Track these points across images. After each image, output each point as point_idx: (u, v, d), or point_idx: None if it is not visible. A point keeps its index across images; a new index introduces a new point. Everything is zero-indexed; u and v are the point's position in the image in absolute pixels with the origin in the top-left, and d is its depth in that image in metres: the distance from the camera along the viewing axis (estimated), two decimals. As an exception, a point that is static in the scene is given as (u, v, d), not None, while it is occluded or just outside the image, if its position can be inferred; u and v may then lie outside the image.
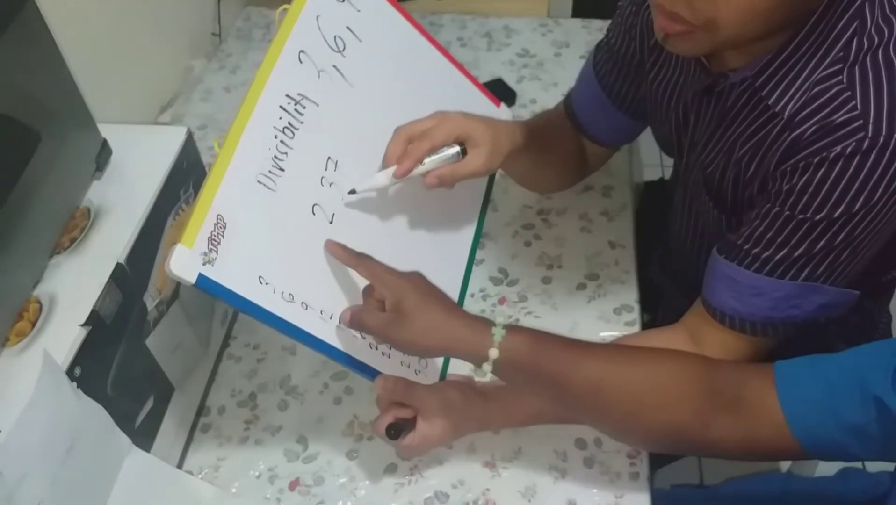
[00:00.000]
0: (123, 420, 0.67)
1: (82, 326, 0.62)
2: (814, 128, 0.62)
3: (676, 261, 0.94)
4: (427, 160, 0.70)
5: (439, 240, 0.81)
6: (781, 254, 0.65)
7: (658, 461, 0.80)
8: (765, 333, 0.70)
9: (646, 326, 0.90)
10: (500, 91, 1.13)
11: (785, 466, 1.25)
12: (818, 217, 0.62)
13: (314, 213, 0.68)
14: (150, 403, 0.73)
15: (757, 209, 0.67)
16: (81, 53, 0.74)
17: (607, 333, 0.85)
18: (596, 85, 0.88)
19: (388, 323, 0.64)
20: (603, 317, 0.88)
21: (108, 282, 0.64)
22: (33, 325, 0.62)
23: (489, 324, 0.64)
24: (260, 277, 0.62)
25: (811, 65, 0.63)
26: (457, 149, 0.71)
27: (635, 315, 0.88)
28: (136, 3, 1.05)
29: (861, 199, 0.60)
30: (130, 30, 1.04)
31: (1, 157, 0.60)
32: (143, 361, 0.71)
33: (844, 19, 0.62)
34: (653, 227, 1.00)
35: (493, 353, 0.63)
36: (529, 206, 0.99)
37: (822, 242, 0.64)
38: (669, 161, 0.88)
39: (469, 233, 0.84)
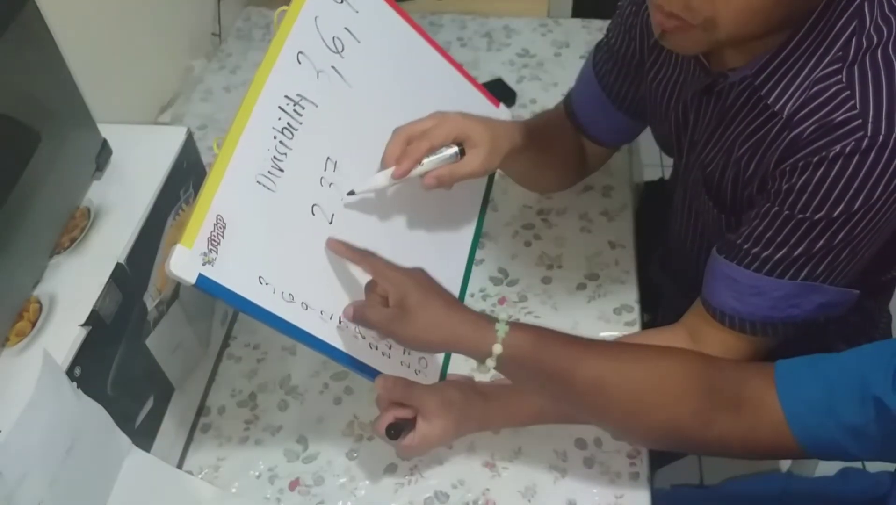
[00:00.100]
0: (123, 420, 0.67)
1: (82, 326, 0.62)
2: (813, 127, 0.62)
3: (676, 261, 0.94)
4: (425, 161, 0.70)
5: (439, 240, 0.81)
6: (781, 253, 0.65)
7: (658, 461, 0.80)
8: (764, 332, 0.70)
9: (646, 326, 0.90)
10: (500, 91, 1.13)
11: (785, 466, 1.25)
12: (817, 216, 0.62)
13: (314, 214, 0.68)
14: (150, 403, 0.73)
15: (756, 209, 0.67)
16: (81, 53, 0.74)
17: (607, 333, 0.85)
18: (596, 85, 0.88)
19: (391, 318, 0.64)
20: (603, 317, 0.88)
21: (108, 282, 0.64)
22: (33, 325, 0.62)
23: (492, 320, 0.64)
24: (260, 277, 0.62)
25: (810, 64, 0.63)
26: (455, 149, 0.71)
27: (635, 315, 0.88)
28: (136, 3, 1.05)
29: (860, 198, 0.61)
30: (130, 30, 1.04)
31: (1, 157, 0.60)
32: (143, 361, 0.71)
33: (843, 19, 0.62)
34: (653, 227, 1.00)
35: (497, 348, 0.63)
36: (529, 206, 0.99)
37: (821, 242, 0.64)
38: (669, 161, 0.88)
39: (469, 233, 0.85)
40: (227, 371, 0.86)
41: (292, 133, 0.67)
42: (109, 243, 0.67)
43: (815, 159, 0.61)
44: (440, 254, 0.81)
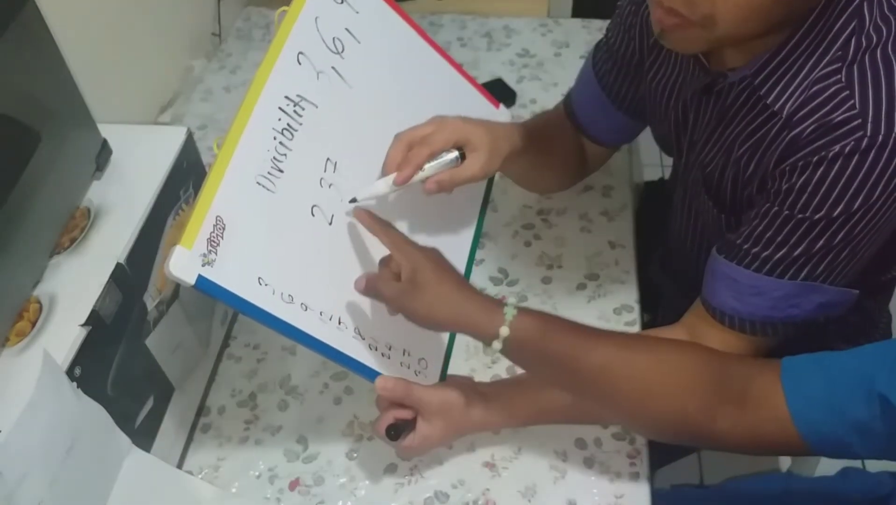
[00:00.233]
0: (123, 420, 0.67)
1: (82, 325, 0.62)
2: (812, 127, 0.62)
3: (676, 261, 0.94)
4: (426, 166, 0.70)
5: (439, 240, 0.80)
6: (781, 253, 0.65)
7: (658, 461, 0.80)
8: (764, 332, 0.70)
9: (646, 326, 0.90)
10: (500, 91, 1.13)
11: (785, 465, 1.25)
12: (817, 216, 0.62)
13: (313, 215, 0.68)
14: (150, 403, 0.73)
15: (756, 209, 0.67)
16: (81, 53, 0.74)
17: (607, 333, 0.85)
18: (595, 85, 0.88)
19: (402, 292, 0.65)
20: (603, 317, 0.88)
21: (108, 282, 0.64)
22: (33, 325, 0.62)
23: (501, 303, 0.65)
24: (259, 278, 0.62)
25: (810, 64, 0.63)
26: (455, 154, 0.71)
27: (635, 315, 0.88)
28: (136, 3, 1.05)
29: (860, 198, 0.60)
30: (130, 30, 1.04)
31: (1, 157, 0.60)
32: (143, 361, 0.71)
33: (843, 18, 0.62)
34: (653, 227, 1.00)
35: (504, 331, 0.63)
36: (529, 207, 0.99)
37: (821, 242, 0.64)
38: (669, 161, 0.88)
39: (469, 234, 0.84)
40: (228, 371, 0.86)
41: (292, 134, 0.67)
42: (109, 243, 0.68)
43: (815, 159, 0.61)
44: (440, 254, 0.81)
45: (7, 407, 0.55)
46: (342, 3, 0.72)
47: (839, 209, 0.61)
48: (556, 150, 0.90)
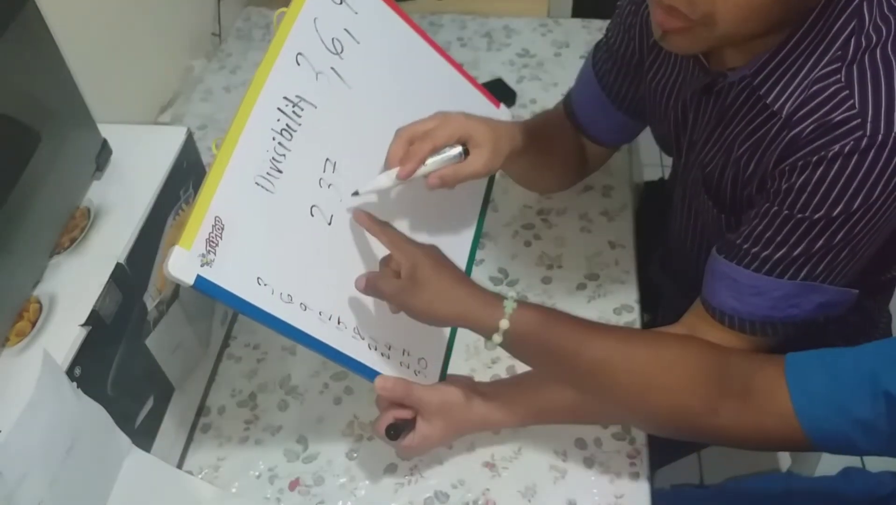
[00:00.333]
0: (123, 420, 0.67)
1: (82, 325, 0.62)
2: (812, 126, 0.62)
3: (676, 261, 0.94)
4: (429, 161, 0.70)
5: (439, 240, 0.80)
6: (780, 253, 0.65)
7: (658, 461, 0.80)
8: (764, 332, 0.70)
9: (646, 326, 0.90)
10: (500, 91, 1.13)
11: (785, 465, 1.25)
12: (817, 216, 0.62)
13: (312, 215, 0.68)
14: (150, 403, 0.73)
15: (756, 208, 0.67)
16: (81, 53, 0.74)
17: (607, 333, 0.85)
18: (595, 85, 0.88)
19: (402, 289, 0.65)
20: (603, 317, 0.88)
21: (108, 282, 0.65)
22: (33, 325, 0.62)
23: (500, 297, 0.66)
24: (258, 278, 0.63)
25: (809, 63, 0.63)
26: (459, 149, 0.71)
27: (635, 315, 0.88)
28: (136, 3, 1.05)
29: (859, 197, 0.60)
30: (130, 30, 1.04)
31: (1, 157, 0.60)
32: (143, 361, 0.72)
33: (843, 18, 0.62)
34: (653, 227, 1.00)
35: (504, 323, 0.64)
36: (529, 206, 1.00)
37: (820, 241, 0.64)
38: (669, 161, 0.88)
39: (469, 233, 0.84)
40: (227, 371, 0.86)
41: (291, 134, 0.67)
42: (109, 243, 0.68)
43: (815, 159, 0.61)
44: (440, 254, 0.81)
45: (7, 407, 0.55)
46: (341, 3, 0.72)
47: (839, 209, 0.61)
48: (557, 149, 0.90)
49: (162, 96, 1.16)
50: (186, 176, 0.77)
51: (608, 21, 0.87)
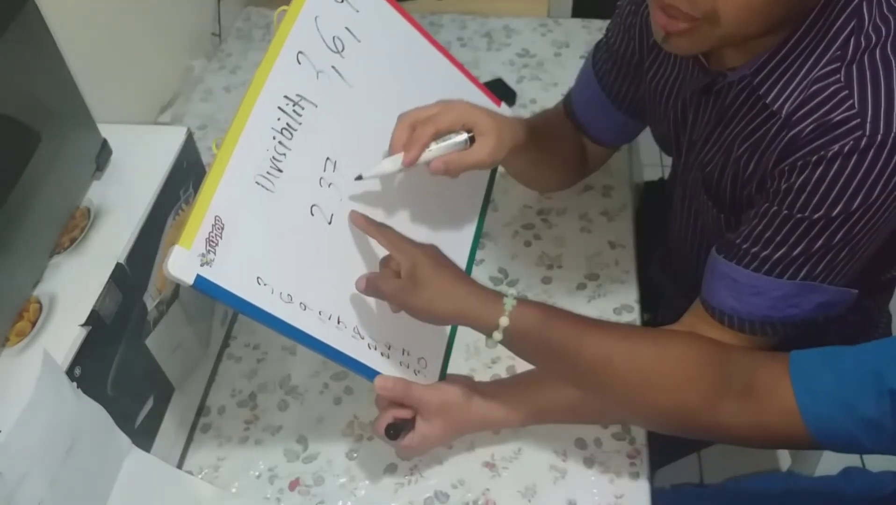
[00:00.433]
0: (123, 420, 0.67)
1: (82, 325, 0.62)
2: (811, 126, 0.62)
3: (676, 261, 0.94)
4: (434, 147, 0.69)
5: (439, 240, 0.80)
6: (780, 253, 0.65)
7: (658, 461, 0.80)
8: (764, 332, 0.70)
9: (646, 325, 0.90)
10: (500, 91, 1.13)
11: (786, 465, 1.25)
12: (816, 216, 0.62)
13: (313, 214, 0.68)
14: (150, 403, 0.73)
15: (755, 208, 0.67)
16: (81, 53, 0.74)
17: (607, 333, 0.85)
18: (595, 85, 0.88)
19: (402, 289, 0.66)
20: (603, 317, 0.87)
21: (107, 282, 0.64)
22: (33, 325, 0.62)
23: (500, 294, 0.66)
24: (258, 277, 0.62)
25: (809, 63, 0.63)
26: (465, 136, 0.70)
27: (635, 315, 0.88)
28: (136, 3, 1.05)
29: (859, 197, 0.60)
30: (130, 30, 1.04)
31: (1, 157, 0.60)
32: (143, 361, 0.72)
33: (842, 18, 0.62)
34: (653, 226, 1.00)
35: (504, 321, 0.64)
36: (529, 206, 1.00)
37: (820, 241, 0.64)
38: (669, 161, 0.88)
39: (469, 232, 0.84)
40: (227, 371, 0.86)
41: (291, 133, 0.67)
42: (109, 243, 0.68)
43: (814, 159, 0.61)
44: (440, 254, 0.81)
45: (7, 407, 0.55)
46: (342, 2, 0.72)
47: (838, 209, 0.61)
48: (557, 148, 0.90)
49: (162, 96, 1.16)
50: (186, 176, 0.77)
51: (608, 21, 0.87)
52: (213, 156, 0.62)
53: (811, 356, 0.61)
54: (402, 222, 0.77)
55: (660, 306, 1.05)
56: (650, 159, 1.40)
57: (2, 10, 0.59)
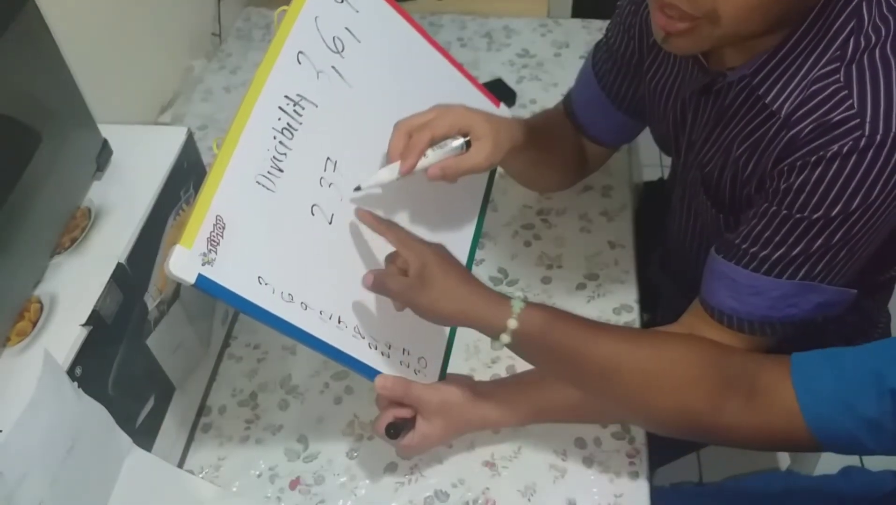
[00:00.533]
0: (124, 420, 0.67)
1: (83, 325, 0.62)
2: (811, 126, 0.62)
3: (676, 261, 0.94)
4: (431, 153, 0.70)
5: (439, 240, 0.80)
6: (779, 253, 0.66)
7: (657, 460, 0.80)
8: (763, 332, 0.70)
9: (645, 326, 0.90)
10: (499, 91, 1.13)
11: (785, 464, 1.25)
12: (815, 216, 0.62)
13: (313, 214, 0.68)
14: (150, 403, 0.73)
15: (755, 208, 0.67)
16: (81, 53, 0.74)
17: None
18: (595, 85, 0.88)
19: (410, 287, 0.66)
20: (603, 317, 0.88)
21: (108, 282, 0.65)
22: (34, 324, 0.62)
23: (507, 297, 0.66)
24: (259, 277, 0.63)
25: (808, 63, 0.63)
26: (461, 141, 0.71)
27: (635, 315, 0.88)
28: (136, 3, 1.05)
29: (858, 197, 0.61)
30: (130, 30, 1.05)
31: (1, 158, 0.60)
32: (143, 361, 0.72)
33: (842, 18, 0.62)
34: (652, 227, 1.00)
35: (512, 323, 0.64)
36: (529, 207, 1.00)
37: (819, 241, 0.64)
38: (669, 161, 0.88)
39: (469, 232, 0.85)
40: (228, 371, 0.86)
41: (292, 133, 0.67)
42: (110, 243, 0.68)
43: (813, 159, 0.61)
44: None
45: (8, 407, 0.56)
46: (342, 2, 0.72)
47: (837, 209, 0.62)
48: (557, 148, 0.90)
49: (162, 96, 1.16)
50: (187, 176, 0.77)
51: (608, 21, 0.87)
52: (214, 156, 0.62)
53: (812, 357, 0.61)
54: (402, 222, 0.77)
55: (659, 306, 1.06)
56: (650, 160, 1.40)
57: (2, 10, 0.59)
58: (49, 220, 0.67)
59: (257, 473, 0.78)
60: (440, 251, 0.68)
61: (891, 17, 0.62)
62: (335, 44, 0.71)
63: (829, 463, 0.92)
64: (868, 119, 0.59)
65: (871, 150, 0.59)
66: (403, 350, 0.74)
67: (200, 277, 0.58)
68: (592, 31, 1.26)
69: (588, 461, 0.76)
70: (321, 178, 0.69)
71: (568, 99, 0.93)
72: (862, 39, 0.62)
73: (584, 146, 0.93)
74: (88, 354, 0.62)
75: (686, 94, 0.76)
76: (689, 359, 0.64)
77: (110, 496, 0.67)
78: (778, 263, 0.66)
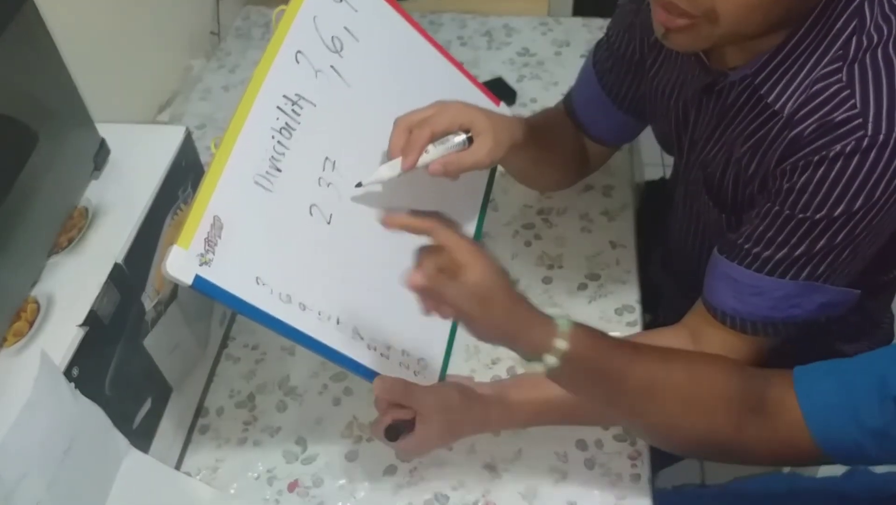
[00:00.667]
0: (121, 421, 0.67)
1: (80, 326, 0.61)
2: (813, 126, 0.61)
3: (677, 261, 0.93)
4: (432, 149, 0.69)
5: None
6: (782, 253, 0.65)
7: (659, 462, 0.80)
8: (765, 332, 0.70)
9: (647, 326, 0.89)
10: (500, 90, 1.12)
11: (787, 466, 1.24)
12: (818, 216, 0.62)
13: (312, 214, 0.68)
14: (148, 404, 0.73)
15: (757, 208, 0.67)
16: (80, 53, 0.74)
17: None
18: (596, 84, 0.88)
19: (469, 297, 0.57)
20: (604, 317, 0.87)
21: (105, 282, 0.64)
22: (31, 325, 0.62)
23: (548, 315, 0.60)
24: (257, 277, 0.62)
25: (810, 63, 0.63)
26: (463, 137, 0.70)
27: (636, 315, 0.87)
28: (134, 2, 1.05)
29: (861, 197, 0.60)
30: (129, 29, 1.04)
31: (-2, 157, 0.60)
32: (141, 362, 0.71)
33: (844, 17, 0.62)
34: (654, 226, 1.00)
35: (561, 343, 0.58)
36: (529, 206, 0.99)
37: (822, 242, 0.63)
38: (670, 160, 0.88)
39: (469, 232, 0.84)
40: (226, 372, 0.86)
41: (290, 133, 0.66)
42: (107, 243, 0.67)
43: (816, 159, 0.61)
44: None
45: (5, 408, 0.55)
46: (341, 1, 0.72)
47: (840, 209, 0.61)
48: (557, 147, 0.89)
49: (160, 96, 1.16)
50: (185, 175, 0.76)
51: (609, 20, 0.87)
52: (212, 155, 0.62)
53: (814, 369, 0.60)
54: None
55: (661, 306, 1.05)
56: (651, 159, 1.40)
57: (0, 10, 0.59)
58: (46, 219, 0.67)
59: (255, 475, 0.77)
60: (497, 260, 0.61)
61: (893, 17, 0.62)
62: (334, 43, 0.71)
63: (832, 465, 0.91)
64: (870, 119, 0.59)
65: (874, 150, 0.59)
66: (403, 351, 0.74)
67: (198, 278, 0.58)
68: (593, 30, 1.25)
69: (589, 463, 0.76)
70: (320, 177, 0.69)
71: (568, 98, 0.92)
72: (864, 39, 0.61)
73: (584, 145, 0.93)
74: (85, 355, 0.61)
75: (688, 93, 0.76)
76: (718, 379, 0.63)
77: (107, 498, 0.67)
78: (781, 263, 0.66)
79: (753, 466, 0.88)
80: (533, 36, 1.25)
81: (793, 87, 0.64)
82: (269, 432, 0.81)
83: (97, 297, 0.63)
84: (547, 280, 0.91)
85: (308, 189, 0.68)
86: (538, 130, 0.81)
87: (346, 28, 0.72)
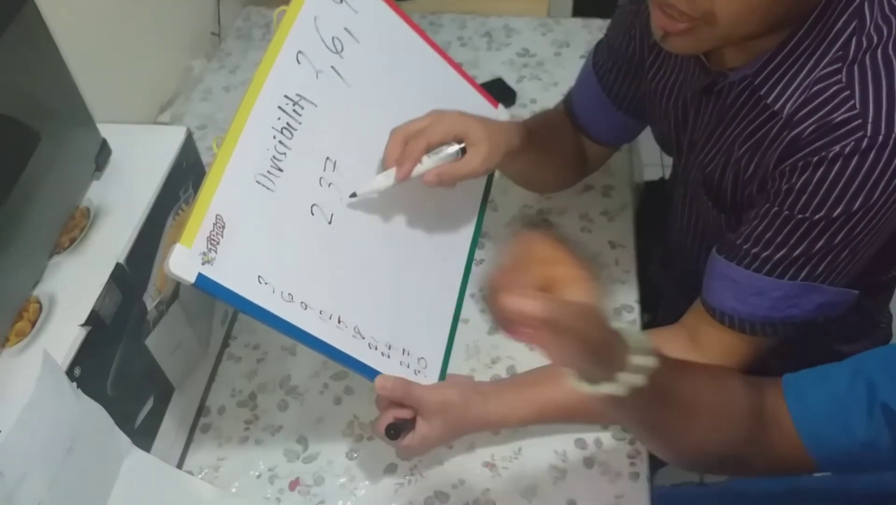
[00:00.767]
0: (123, 420, 0.67)
1: (82, 325, 0.62)
2: (813, 127, 0.62)
3: (676, 261, 0.94)
4: (427, 160, 0.70)
5: (439, 240, 0.80)
6: (780, 253, 0.65)
7: (658, 461, 0.80)
8: (764, 332, 0.70)
9: (646, 326, 0.90)
10: (499, 91, 1.13)
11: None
12: (817, 217, 0.62)
13: (313, 214, 0.68)
14: (149, 403, 0.73)
15: (756, 209, 0.67)
16: (81, 53, 0.74)
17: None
18: (596, 85, 0.88)
19: (586, 322, 0.49)
20: (603, 316, 0.87)
21: (107, 282, 0.64)
22: (33, 325, 0.62)
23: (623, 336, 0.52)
24: (259, 276, 0.62)
25: (810, 64, 0.63)
26: (457, 147, 0.71)
27: (635, 315, 0.88)
28: (135, 2, 1.05)
29: (860, 198, 0.60)
30: (130, 29, 1.04)
31: (0, 157, 0.60)
32: (142, 361, 0.71)
33: (843, 18, 0.62)
34: (653, 227, 1.00)
35: (650, 361, 0.51)
36: (529, 206, 0.99)
37: (821, 242, 0.64)
38: (670, 161, 0.88)
39: (468, 233, 0.84)
40: (227, 371, 0.86)
41: (291, 133, 0.67)
42: (109, 243, 0.67)
43: (815, 159, 0.61)
44: (440, 254, 0.81)
45: (7, 407, 0.55)
46: (341, 2, 0.72)
47: (839, 209, 0.61)
48: (556, 148, 0.90)
49: (161, 96, 1.16)
50: (186, 176, 0.77)
51: (608, 21, 0.87)
52: (214, 155, 0.62)
53: (804, 376, 0.60)
54: (401, 224, 0.77)
55: (660, 306, 1.05)
56: (650, 159, 1.40)
57: (1, 10, 0.59)
58: (48, 219, 0.67)
59: (257, 473, 0.77)
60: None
61: (893, 18, 0.62)
62: (334, 44, 0.71)
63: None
64: (870, 120, 0.59)
65: (873, 151, 0.59)
66: (403, 350, 0.74)
67: (200, 277, 0.58)
68: (593, 31, 1.25)
69: (589, 462, 0.76)
70: (321, 177, 0.69)
71: (568, 99, 0.93)
72: (864, 40, 0.62)
73: (584, 146, 0.93)
74: (87, 355, 0.62)
75: (687, 94, 0.76)
76: (738, 392, 0.62)
77: (109, 497, 0.67)
78: (779, 263, 0.66)
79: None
80: (533, 37, 1.25)
81: (792, 87, 0.64)
82: (271, 431, 0.81)
83: (99, 296, 0.63)
84: (547, 280, 0.91)
85: (309, 189, 0.68)
86: (537, 133, 0.81)
87: (346, 29, 0.72)
